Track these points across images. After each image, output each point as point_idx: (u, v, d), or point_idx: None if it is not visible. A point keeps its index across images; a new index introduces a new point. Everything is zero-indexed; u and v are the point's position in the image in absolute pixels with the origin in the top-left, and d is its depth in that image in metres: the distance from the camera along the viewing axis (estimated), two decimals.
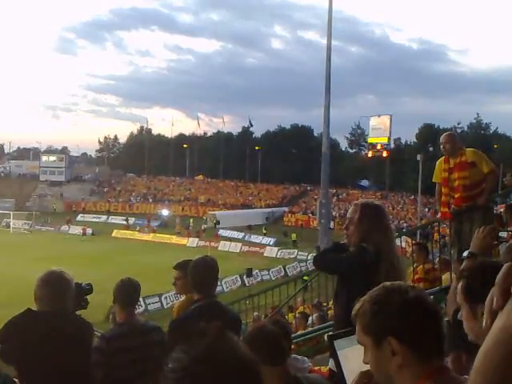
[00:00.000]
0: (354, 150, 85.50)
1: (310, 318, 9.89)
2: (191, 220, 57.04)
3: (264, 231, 51.16)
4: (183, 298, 4.34)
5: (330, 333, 2.52)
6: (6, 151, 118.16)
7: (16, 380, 3.21)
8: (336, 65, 79.58)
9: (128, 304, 3.78)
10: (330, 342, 1.94)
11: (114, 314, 4.99)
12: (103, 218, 62.86)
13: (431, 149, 63.08)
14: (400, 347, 1.42)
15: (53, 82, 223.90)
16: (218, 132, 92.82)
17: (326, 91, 43.28)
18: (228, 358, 1.11)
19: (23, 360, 3.09)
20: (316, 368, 3.82)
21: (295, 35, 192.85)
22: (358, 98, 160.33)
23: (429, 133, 67.40)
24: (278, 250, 43.40)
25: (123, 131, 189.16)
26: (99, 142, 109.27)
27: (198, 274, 3.61)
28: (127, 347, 3.60)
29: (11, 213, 55.73)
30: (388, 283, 1.54)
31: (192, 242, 46.83)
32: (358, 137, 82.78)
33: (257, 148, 77.94)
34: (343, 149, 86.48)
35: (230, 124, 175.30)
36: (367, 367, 1.54)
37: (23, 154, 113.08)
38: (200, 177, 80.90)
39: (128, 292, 3.78)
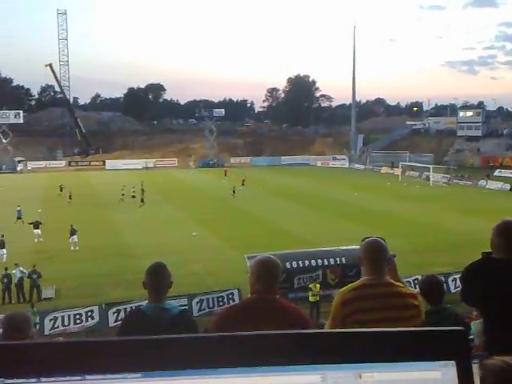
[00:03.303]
0: None
1: None
2: None
3: None
4: None
5: None
6: (425, 109, 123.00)
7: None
8: None
9: None
10: None
11: None
12: None
13: None
14: None
15: (466, 37, 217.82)
16: None
17: None
18: None
19: (482, 301, 3.28)
20: None
21: None
22: None
23: None
24: None
25: None
26: None
27: None
28: None
29: (430, 166, 58.03)
30: None
31: None
32: None
33: None
34: None
35: None
36: None
37: (441, 110, 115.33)
38: None
39: None
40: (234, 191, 45.48)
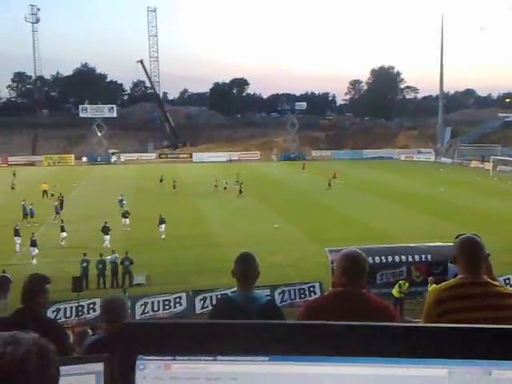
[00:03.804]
0: None
1: None
2: None
3: None
4: None
5: None
6: None
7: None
8: None
9: None
10: None
11: None
12: None
13: None
14: None
15: None
16: None
17: None
18: None
19: None
20: None
21: None
22: None
23: None
24: None
25: None
26: None
27: None
28: None
29: None
30: None
31: None
32: None
33: None
34: None
35: None
36: None
37: None
38: None
39: None
40: (329, 184, 45.36)
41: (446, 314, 3.20)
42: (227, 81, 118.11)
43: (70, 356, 3.43)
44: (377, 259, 19.69)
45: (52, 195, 39.90)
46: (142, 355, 0.93)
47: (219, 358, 0.91)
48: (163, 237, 28.16)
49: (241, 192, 41.85)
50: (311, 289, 19.72)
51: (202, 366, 0.92)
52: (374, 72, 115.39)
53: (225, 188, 43.92)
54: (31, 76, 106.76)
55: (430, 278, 18.52)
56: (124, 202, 35.61)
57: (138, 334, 0.95)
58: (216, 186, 44.15)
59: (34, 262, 24.02)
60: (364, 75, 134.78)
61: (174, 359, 0.92)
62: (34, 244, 24.57)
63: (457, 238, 3.53)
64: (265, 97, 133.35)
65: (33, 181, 48.85)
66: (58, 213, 33.01)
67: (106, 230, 26.86)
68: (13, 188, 44.78)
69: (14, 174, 52.08)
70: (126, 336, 0.96)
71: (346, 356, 0.88)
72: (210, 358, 0.91)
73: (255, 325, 0.95)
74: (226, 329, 0.94)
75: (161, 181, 47.10)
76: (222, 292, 17.07)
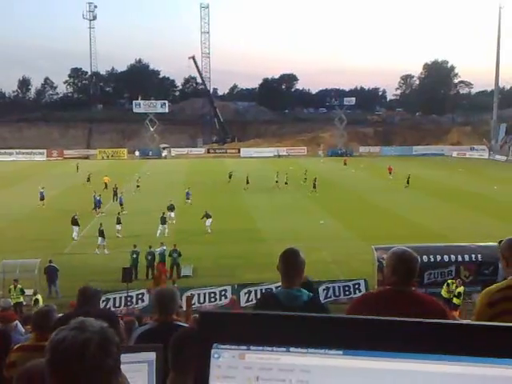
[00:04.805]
0: None
1: None
2: None
3: None
4: None
5: None
6: None
7: None
8: None
9: None
10: None
11: None
12: None
13: None
14: None
15: None
16: None
17: None
18: None
19: None
20: None
21: None
22: None
23: None
24: None
25: None
26: None
27: None
28: None
29: None
30: None
31: None
32: None
33: None
34: None
35: None
36: None
37: None
38: None
39: None
40: (408, 181, 43.64)
41: (499, 316, 3.11)
42: (276, 76, 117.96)
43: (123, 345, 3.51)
44: (424, 258, 19.21)
45: (138, 186, 41.32)
46: (218, 344, 0.94)
47: (292, 349, 0.91)
48: (209, 231, 28.47)
49: (314, 187, 41.20)
50: (356, 286, 19.49)
51: (276, 356, 0.92)
52: (426, 66, 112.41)
53: (286, 183, 43.94)
54: (87, 72, 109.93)
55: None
56: (190, 194, 36.67)
57: (214, 323, 0.96)
58: (277, 182, 44.11)
59: (105, 251, 25.22)
60: (416, 70, 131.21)
61: (249, 349, 0.93)
62: (101, 234, 25.65)
63: (500, 242, 3.44)
64: (313, 92, 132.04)
65: (92, 173, 50.18)
66: (121, 204, 34.16)
67: (163, 221, 28.21)
68: (88, 180, 45.83)
69: (78, 167, 54.16)
70: (202, 324, 0.97)
71: (425, 353, 0.85)
72: (283, 349, 0.92)
73: (330, 318, 0.94)
74: (300, 321, 0.94)
75: (230, 176, 47.54)
76: (267, 286, 17.15)
